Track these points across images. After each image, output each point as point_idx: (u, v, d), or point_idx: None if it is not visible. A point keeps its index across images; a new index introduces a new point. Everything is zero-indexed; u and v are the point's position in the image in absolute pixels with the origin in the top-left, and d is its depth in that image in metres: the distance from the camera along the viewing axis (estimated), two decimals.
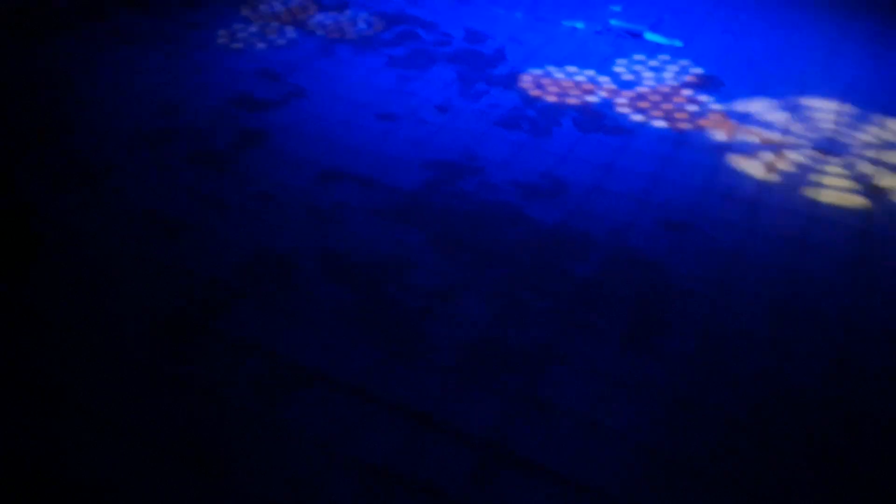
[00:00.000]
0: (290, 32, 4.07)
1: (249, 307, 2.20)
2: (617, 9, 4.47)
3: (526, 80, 3.59)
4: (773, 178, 2.92)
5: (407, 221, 2.60)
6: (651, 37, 4.12)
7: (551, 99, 3.42)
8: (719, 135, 3.19)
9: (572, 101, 3.42)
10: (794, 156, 3.07)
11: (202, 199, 2.67)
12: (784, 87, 3.61)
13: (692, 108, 3.41)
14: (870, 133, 3.25)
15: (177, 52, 3.77)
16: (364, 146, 3.05)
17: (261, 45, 3.90)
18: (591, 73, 3.69)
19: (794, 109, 3.41)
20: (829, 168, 3.00)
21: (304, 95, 3.42)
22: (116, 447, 1.77)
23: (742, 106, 3.43)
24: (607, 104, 3.41)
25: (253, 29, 4.09)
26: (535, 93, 3.48)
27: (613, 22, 4.29)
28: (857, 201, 2.81)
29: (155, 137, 3.04)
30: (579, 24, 4.25)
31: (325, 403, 1.91)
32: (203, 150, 2.97)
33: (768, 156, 3.06)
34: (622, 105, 3.41)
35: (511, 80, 3.60)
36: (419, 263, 2.40)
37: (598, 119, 3.29)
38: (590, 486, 1.72)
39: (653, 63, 3.82)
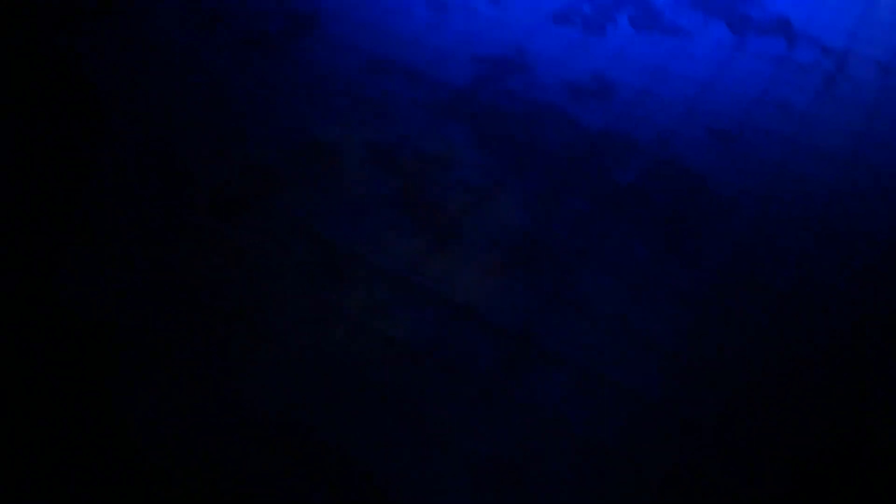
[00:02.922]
0: None
1: (298, 190, 2.30)
2: None
3: None
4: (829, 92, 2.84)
5: (452, 117, 2.64)
6: None
7: None
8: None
9: None
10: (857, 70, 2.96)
11: (255, 83, 2.73)
12: None
13: (755, 11, 3.26)
14: None
15: None
16: (413, 36, 3.03)
17: None
18: None
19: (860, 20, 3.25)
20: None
21: None
22: (156, 299, 1.94)
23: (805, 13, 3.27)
24: (668, 3, 3.29)
25: None
26: None
27: None
28: None
29: (211, 18, 3.06)
30: None
31: (365, 287, 2.04)
32: (257, 33, 2.99)
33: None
34: (683, 4, 3.28)
35: None
36: (462, 160, 2.46)
37: (655, 17, 3.19)
38: (612, 382, 1.85)
39: None
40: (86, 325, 1.89)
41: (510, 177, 2.40)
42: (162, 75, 2.73)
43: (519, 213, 2.28)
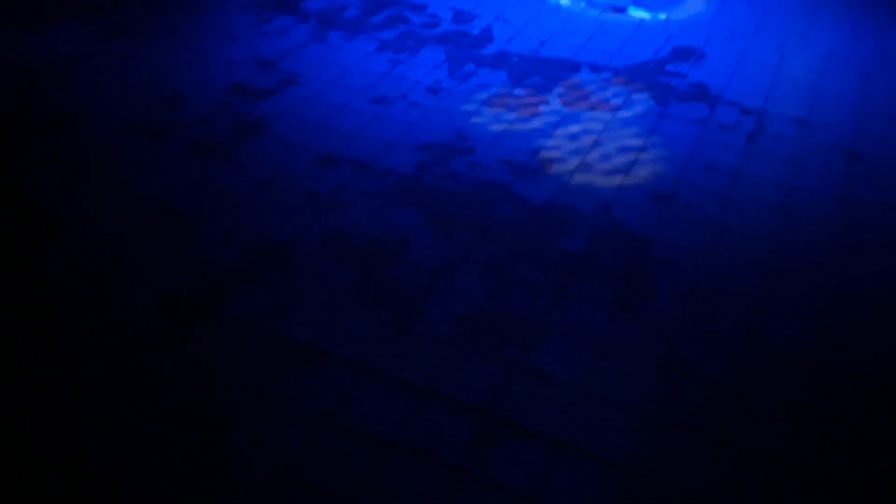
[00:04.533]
0: (284, 20, 4.14)
1: (253, 290, 2.32)
2: None
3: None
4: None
5: (402, 202, 2.72)
6: (635, 11, 4.19)
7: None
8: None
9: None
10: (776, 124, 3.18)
11: (205, 188, 2.78)
12: (765, 58, 3.70)
13: (675, 81, 3.50)
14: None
15: (175, 44, 3.85)
16: (358, 130, 3.15)
17: (255, 34, 3.98)
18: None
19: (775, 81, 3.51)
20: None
21: (298, 83, 3.51)
22: (123, 421, 1.91)
23: (724, 78, 3.52)
24: (593, 81, 3.51)
25: (248, 17, 4.16)
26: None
27: None
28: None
29: (156, 128, 3.14)
30: (564, 1, 4.32)
31: (328, 379, 2.04)
32: (204, 140, 3.07)
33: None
34: (608, 81, 3.51)
35: (499, 61, 3.69)
36: (415, 242, 2.52)
37: (583, 95, 3.39)
38: (586, 450, 1.86)
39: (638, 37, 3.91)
40: (55, 449, 1.84)
41: (463, 254, 2.47)
42: (108, 188, 2.76)
43: (475, 288, 2.33)
